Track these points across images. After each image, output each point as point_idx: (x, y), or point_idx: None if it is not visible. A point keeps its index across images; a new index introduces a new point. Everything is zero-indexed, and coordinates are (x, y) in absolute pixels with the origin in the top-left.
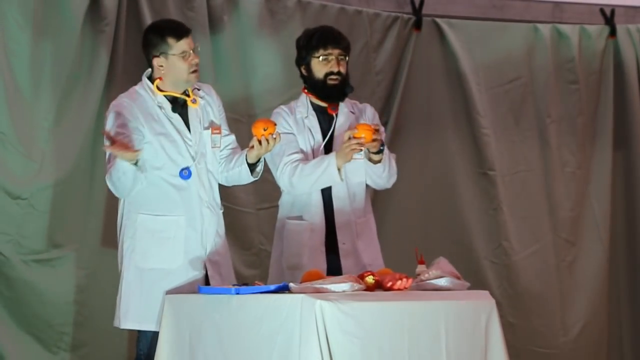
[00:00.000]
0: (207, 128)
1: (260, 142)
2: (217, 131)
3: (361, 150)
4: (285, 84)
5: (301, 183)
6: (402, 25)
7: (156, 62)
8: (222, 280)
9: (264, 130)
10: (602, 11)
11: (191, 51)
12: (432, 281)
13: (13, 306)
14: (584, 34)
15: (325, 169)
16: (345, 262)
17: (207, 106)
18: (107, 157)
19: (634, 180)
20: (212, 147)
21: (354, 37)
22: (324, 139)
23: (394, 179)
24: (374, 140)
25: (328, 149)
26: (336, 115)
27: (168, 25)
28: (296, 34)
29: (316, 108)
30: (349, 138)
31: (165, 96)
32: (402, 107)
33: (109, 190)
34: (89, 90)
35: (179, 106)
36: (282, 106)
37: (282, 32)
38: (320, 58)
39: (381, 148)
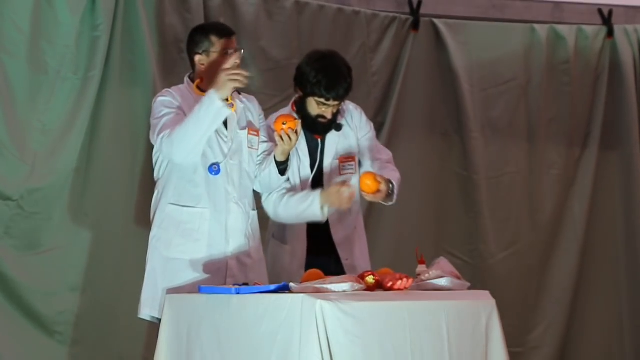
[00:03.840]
0: (244, 128)
1: (282, 137)
2: (255, 133)
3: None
4: (281, 85)
5: (285, 215)
6: (400, 26)
7: (198, 59)
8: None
9: (283, 124)
10: (600, 12)
11: (233, 52)
12: (433, 281)
13: (6, 305)
14: (581, 34)
15: (309, 206)
16: None
17: (247, 111)
18: (162, 121)
19: (620, 181)
20: (249, 148)
21: (351, 38)
22: (311, 159)
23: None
24: (377, 191)
25: (318, 168)
26: (321, 140)
27: (214, 25)
28: (294, 35)
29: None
30: (342, 183)
31: None
32: (398, 108)
33: (103, 191)
34: (83, 92)
35: None
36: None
37: (279, 33)
38: (319, 103)
39: (390, 193)
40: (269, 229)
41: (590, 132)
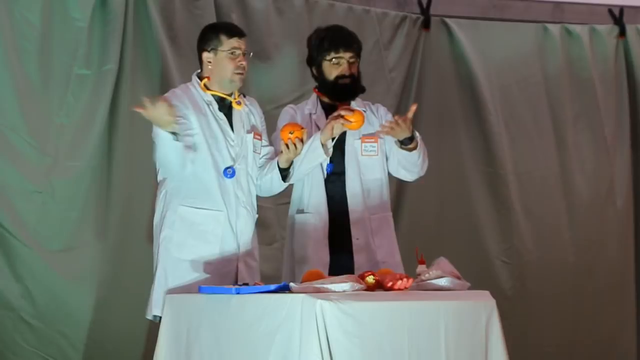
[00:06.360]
0: (249, 132)
1: (287, 146)
2: (259, 137)
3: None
4: (293, 83)
5: (293, 169)
6: (411, 25)
7: (205, 56)
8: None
9: (290, 133)
10: (610, 11)
11: (241, 53)
12: (433, 281)
13: (34, 299)
14: (593, 33)
15: (309, 145)
16: (357, 258)
17: (250, 114)
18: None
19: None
20: (253, 152)
21: (364, 35)
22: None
23: (426, 164)
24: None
25: (340, 148)
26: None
27: (224, 24)
28: (304, 33)
29: (326, 107)
30: (339, 115)
31: (212, 95)
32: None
33: (125, 187)
34: (99, 85)
35: (225, 107)
36: (291, 105)
37: (290, 31)
38: (332, 61)
39: (412, 136)
40: (290, 212)
41: (619, 129)
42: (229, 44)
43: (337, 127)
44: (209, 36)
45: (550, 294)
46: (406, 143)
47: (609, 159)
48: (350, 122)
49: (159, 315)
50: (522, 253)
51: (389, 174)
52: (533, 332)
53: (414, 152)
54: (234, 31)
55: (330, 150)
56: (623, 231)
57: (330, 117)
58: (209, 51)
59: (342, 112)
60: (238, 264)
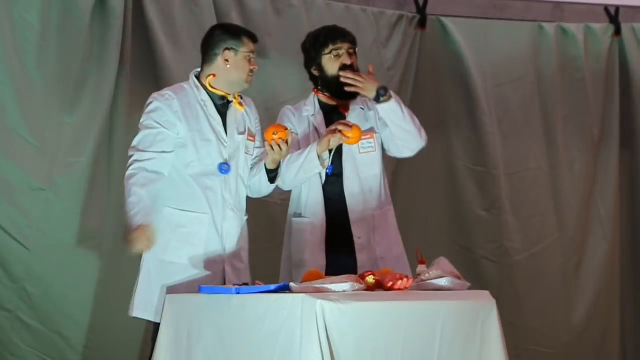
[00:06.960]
0: (242, 133)
1: (272, 147)
2: (252, 139)
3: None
4: (291, 81)
5: (288, 174)
6: (407, 23)
7: (224, 55)
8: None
9: (274, 134)
10: (606, 10)
11: (254, 58)
12: (433, 281)
13: (32, 299)
14: (589, 32)
15: (306, 156)
16: (360, 257)
17: (245, 115)
18: (138, 138)
19: (638, 181)
20: (245, 153)
21: (362, 34)
22: None
23: (424, 133)
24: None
25: (337, 149)
26: (348, 115)
27: (243, 28)
28: (302, 32)
29: (325, 107)
30: (336, 130)
31: (210, 96)
32: (412, 104)
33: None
34: (100, 84)
35: (221, 107)
36: (288, 106)
37: (287, 30)
38: (332, 54)
39: (382, 92)
40: (288, 214)
41: (607, 129)
42: (249, 46)
43: (333, 141)
44: (228, 37)
45: (537, 294)
46: (382, 94)
47: (595, 159)
48: (348, 137)
49: (139, 317)
50: (511, 253)
51: (396, 159)
52: (519, 332)
53: (392, 102)
54: (253, 36)
55: (327, 162)
56: (610, 232)
57: (327, 130)
58: (229, 49)
59: (340, 127)
60: (225, 267)
